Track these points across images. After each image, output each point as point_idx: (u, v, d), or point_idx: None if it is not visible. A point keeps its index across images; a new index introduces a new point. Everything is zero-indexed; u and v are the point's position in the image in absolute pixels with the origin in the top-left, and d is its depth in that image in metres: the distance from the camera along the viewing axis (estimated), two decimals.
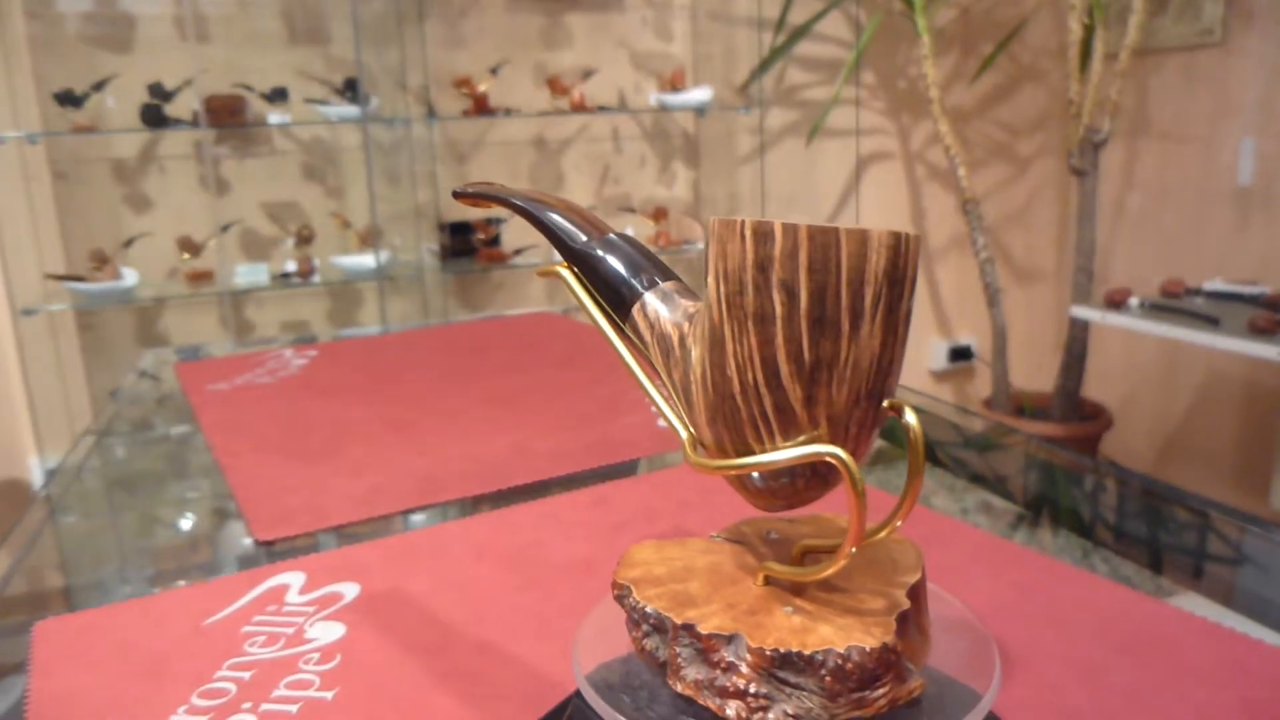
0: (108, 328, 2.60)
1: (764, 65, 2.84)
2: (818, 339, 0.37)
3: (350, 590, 0.68)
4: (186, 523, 0.88)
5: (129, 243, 2.48)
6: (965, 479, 0.94)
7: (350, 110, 2.53)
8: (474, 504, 0.85)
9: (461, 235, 2.76)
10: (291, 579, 0.70)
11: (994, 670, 0.44)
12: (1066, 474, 0.95)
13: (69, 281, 2.40)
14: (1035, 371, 3.31)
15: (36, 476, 2.48)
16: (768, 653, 0.38)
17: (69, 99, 2.35)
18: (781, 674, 0.38)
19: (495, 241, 2.76)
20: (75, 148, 2.49)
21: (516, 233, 2.81)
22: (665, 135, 3.02)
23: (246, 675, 0.58)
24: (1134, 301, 2.29)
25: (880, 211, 3.20)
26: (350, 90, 2.55)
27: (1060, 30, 2.97)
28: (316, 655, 0.60)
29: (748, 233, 0.37)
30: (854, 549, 0.38)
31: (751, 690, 0.38)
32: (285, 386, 1.20)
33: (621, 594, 0.43)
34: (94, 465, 1.03)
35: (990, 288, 2.79)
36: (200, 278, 2.56)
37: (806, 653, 0.37)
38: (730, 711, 0.38)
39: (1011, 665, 0.56)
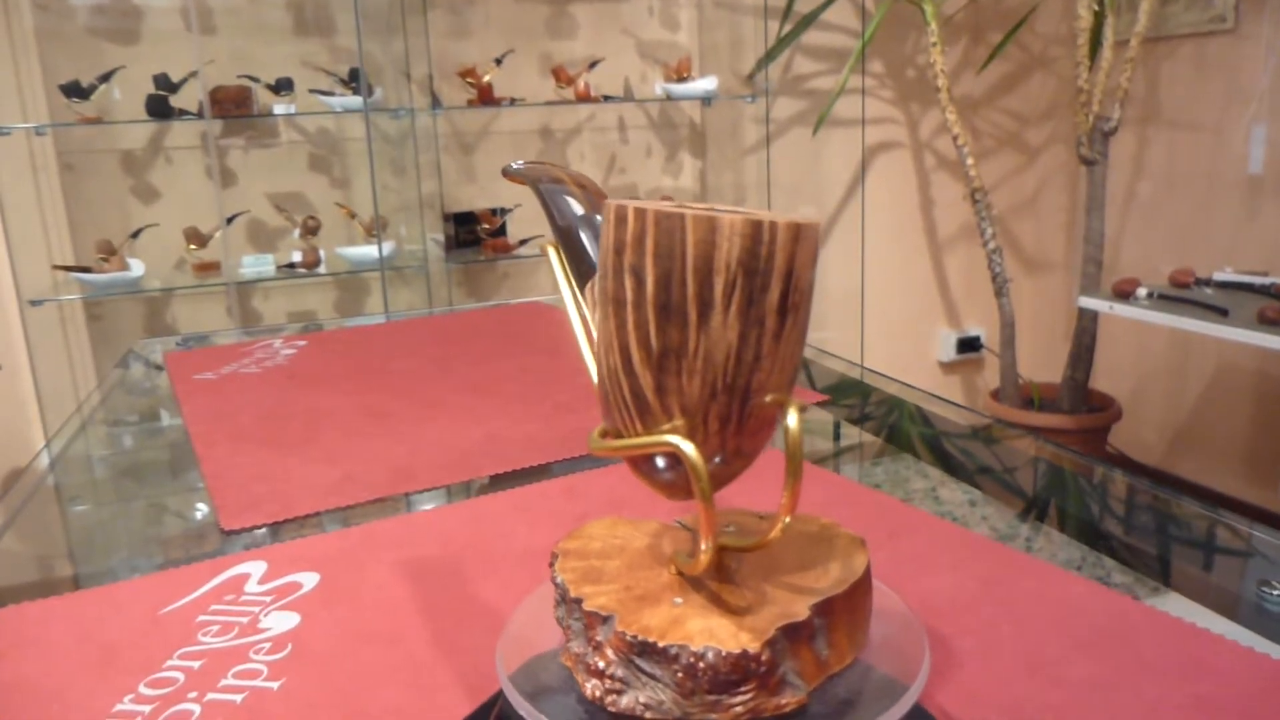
0: (116, 318, 2.61)
1: (770, 54, 2.83)
2: (664, 327, 0.36)
3: (310, 580, 0.68)
4: (161, 512, 0.88)
5: (136, 234, 2.50)
6: (958, 475, 0.93)
7: (354, 101, 2.54)
8: (446, 493, 0.84)
9: (466, 225, 2.76)
10: (252, 568, 0.70)
11: (922, 662, 0.43)
12: (1064, 472, 0.94)
13: (76, 273, 2.42)
14: (1044, 362, 3.28)
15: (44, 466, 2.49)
16: (628, 638, 0.38)
17: (75, 90, 2.36)
18: (639, 661, 0.38)
19: (500, 232, 2.76)
20: (83, 139, 2.50)
21: (522, 223, 2.81)
22: (671, 125, 3.01)
23: (196, 665, 0.58)
24: (1142, 292, 2.26)
25: (887, 201, 3.18)
26: (355, 81, 2.55)
27: (1070, 17, 2.93)
28: (268, 645, 0.60)
29: (611, 216, 0.36)
30: (708, 545, 0.38)
31: (609, 672, 0.38)
32: (270, 376, 1.20)
33: (551, 561, 0.44)
34: (77, 453, 1.03)
35: (998, 278, 2.77)
36: (207, 269, 2.57)
37: (661, 645, 0.37)
38: (589, 688, 0.38)
39: (961, 657, 0.56)
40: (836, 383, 1.23)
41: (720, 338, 0.36)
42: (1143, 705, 0.51)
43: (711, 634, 0.37)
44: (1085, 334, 2.74)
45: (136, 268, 2.46)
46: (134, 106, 2.45)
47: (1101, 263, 2.70)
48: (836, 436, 1.08)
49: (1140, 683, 0.53)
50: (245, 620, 0.63)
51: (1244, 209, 2.60)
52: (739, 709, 0.37)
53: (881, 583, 0.49)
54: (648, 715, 0.38)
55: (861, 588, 0.42)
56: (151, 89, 2.43)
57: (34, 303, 2.41)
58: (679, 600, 0.40)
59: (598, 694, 0.38)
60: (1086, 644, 0.57)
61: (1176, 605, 0.64)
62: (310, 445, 0.96)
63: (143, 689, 0.55)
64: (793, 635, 0.38)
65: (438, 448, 0.93)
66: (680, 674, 0.37)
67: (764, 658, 0.37)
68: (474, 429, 0.98)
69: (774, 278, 0.36)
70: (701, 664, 0.36)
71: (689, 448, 0.36)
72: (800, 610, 0.39)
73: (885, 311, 3.24)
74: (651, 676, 0.37)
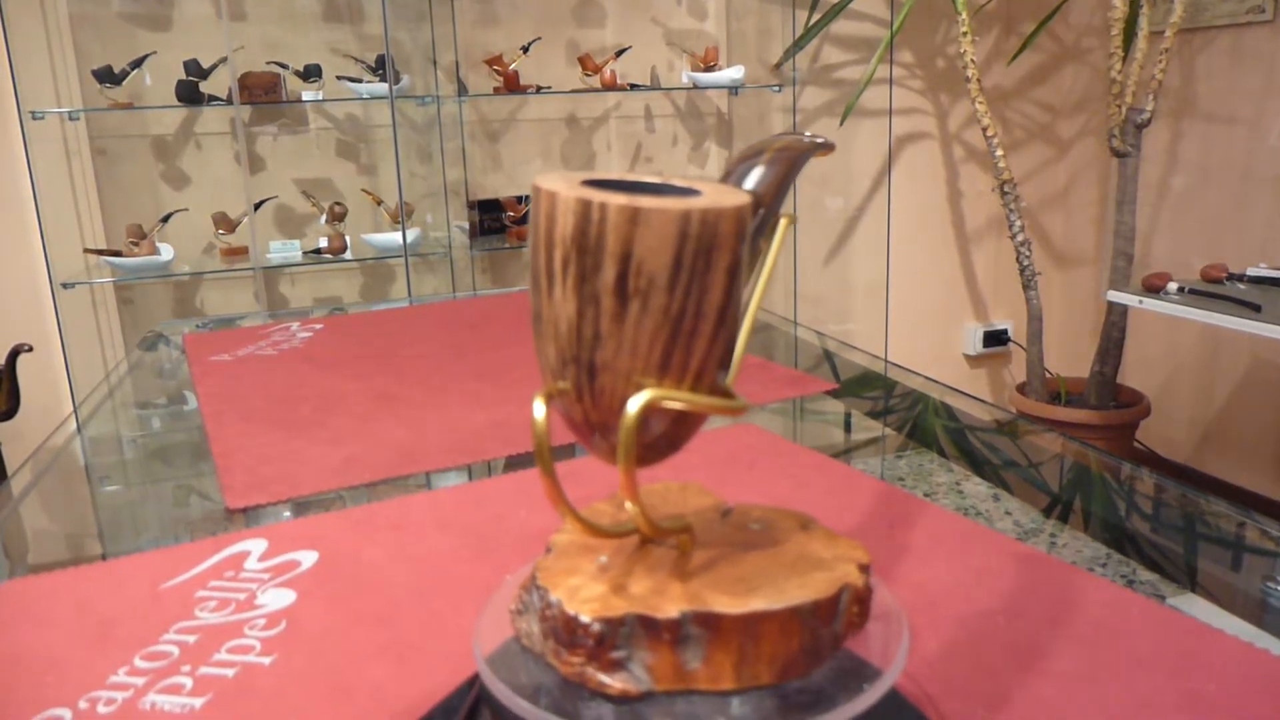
0: (146, 302, 2.65)
1: (798, 43, 2.81)
2: (533, 291, 0.38)
3: (308, 558, 0.69)
4: (173, 489, 0.89)
5: (166, 218, 2.53)
6: (977, 471, 0.92)
7: (381, 88, 2.55)
8: (468, 474, 0.85)
9: (491, 213, 2.77)
10: (253, 546, 0.71)
11: (899, 649, 0.43)
12: (1086, 469, 0.93)
13: (107, 256, 2.45)
14: (1072, 357, 3.24)
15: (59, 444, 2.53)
16: (530, 571, 0.42)
17: (107, 76, 2.39)
18: (532, 595, 0.41)
19: (525, 219, 2.76)
20: (115, 124, 2.53)
21: None
22: (698, 114, 3.00)
23: (191, 639, 0.59)
24: (1172, 287, 2.23)
25: (915, 192, 3.15)
26: (382, 68, 2.56)
27: (1104, 8, 2.89)
28: (263, 621, 0.60)
29: None
30: (562, 512, 0.39)
31: (521, 594, 0.42)
32: (285, 359, 1.21)
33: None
34: (94, 432, 1.05)
35: (1026, 271, 2.74)
36: (235, 253, 2.60)
37: (538, 582, 0.40)
38: (512, 601, 0.43)
39: (953, 649, 0.55)
40: (858, 375, 1.22)
41: (562, 309, 0.37)
42: (1135, 700, 0.50)
43: (574, 592, 0.39)
44: (1114, 329, 2.70)
45: (166, 252, 2.49)
46: (165, 92, 2.48)
47: (1132, 257, 2.66)
48: (847, 428, 1.07)
49: (1133, 677, 0.52)
50: (242, 597, 0.64)
51: (1279, 204, 2.56)
52: (567, 668, 0.39)
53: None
54: (523, 641, 0.41)
55: (776, 624, 0.38)
56: (182, 75, 2.45)
57: (66, 285, 2.44)
58: (604, 559, 0.42)
59: (509, 609, 0.42)
60: (1080, 637, 0.56)
61: (1192, 602, 0.64)
62: (319, 427, 0.96)
63: (138, 661, 0.56)
64: (651, 630, 0.38)
65: (443, 431, 0.94)
66: (539, 614, 0.40)
67: (593, 630, 0.38)
68: (480, 414, 0.99)
69: (606, 258, 0.35)
70: (548, 611, 0.39)
71: (538, 408, 0.37)
72: (669, 610, 0.38)
73: (911, 304, 3.22)
74: (535, 609, 0.41)
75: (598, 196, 0.35)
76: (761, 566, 0.41)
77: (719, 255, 0.36)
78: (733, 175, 0.48)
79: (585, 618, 0.38)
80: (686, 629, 0.37)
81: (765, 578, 0.40)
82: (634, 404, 0.36)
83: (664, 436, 0.40)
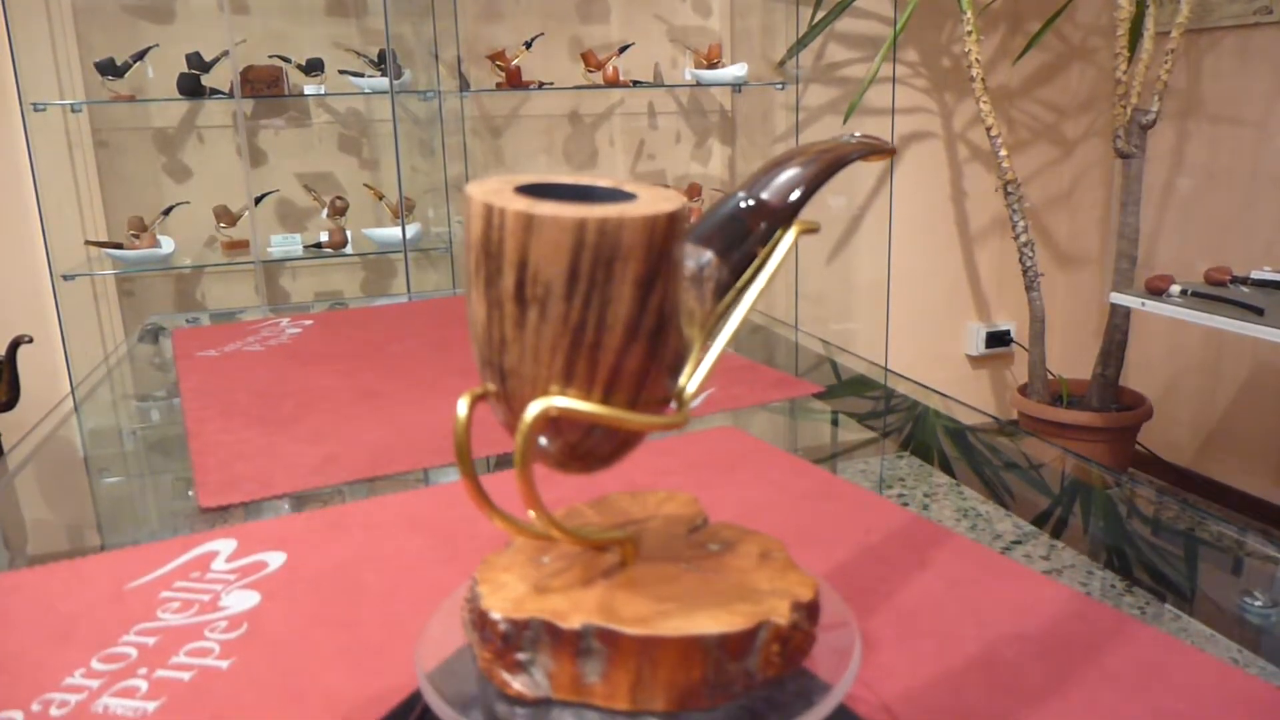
0: (147, 294, 2.65)
1: (802, 41, 2.79)
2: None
3: (276, 559, 0.68)
4: (152, 486, 0.89)
5: (167, 211, 2.53)
6: (963, 479, 0.91)
7: (382, 82, 2.54)
8: (426, 475, 0.84)
9: None
10: (221, 546, 0.70)
11: (851, 662, 0.42)
12: (1078, 479, 0.92)
13: (108, 248, 2.46)
14: (1075, 358, 3.22)
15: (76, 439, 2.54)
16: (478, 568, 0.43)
17: (110, 68, 2.39)
18: (475, 587, 0.41)
19: None
20: (117, 117, 2.54)
21: None
22: (701, 111, 2.99)
23: (151, 641, 0.58)
24: (1175, 289, 2.21)
25: (918, 192, 3.13)
26: (383, 63, 2.56)
27: (1110, 8, 2.87)
28: (224, 624, 0.60)
29: None
30: (490, 518, 0.39)
31: (470, 585, 0.42)
32: (272, 355, 1.21)
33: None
34: (93, 426, 1.05)
35: (1029, 272, 2.72)
36: (236, 247, 2.60)
37: (475, 576, 0.41)
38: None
39: (918, 660, 0.54)
40: (848, 379, 1.22)
41: (477, 311, 0.37)
42: (1098, 714, 0.49)
43: (498, 589, 0.40)
44: (1117, 330, 2.69)
45: (167, 245, 2.49)
46: (167, 85, 2.48)
47: (1136, 258, 2.64)
48: (834, 430, 1.06)
49: (1100, 692, 0.51)
50: (206, 598, 0.63)
51: None
52: (482, 663, 0.39)
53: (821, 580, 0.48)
54: (461, 630, 0.42)
55: (675, 652, 0.37)
56: (184, 68, 2.45)
57: (66, 277, 2.45)
58: (545, 560, 0.42)
59: (465, 596, 0.43)
60: (1049, 649, 0.55)
61: (1170, 615, 0.63)
62: (299, 424, 0.96)
63: (94, 663, 0.56)
64: (555, 637, 0.38)
65: (423, 430, 0.93)
66: (468, 606, 0.41)
67: (500, 629, 0.38)
68: None
69: (505, 264, 0.35)
70: (469, 605, 0.40)
71: (461, 406, 0.37)
72: (574, 620, 0.37)
73: (914, 304, 3.20)
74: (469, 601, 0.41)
75: (499, 201, 0.35)
76: (691, 590, 0.40)
77: (623, 266, 0.35)
78: (764, 176, 0.47)
79: (495, 615, 0.38)
80: (588, 642, 0.37)
81: (686, 602, 0.39)
82: (530, 411, 0.35)
83: (588, 446, 0.39)
